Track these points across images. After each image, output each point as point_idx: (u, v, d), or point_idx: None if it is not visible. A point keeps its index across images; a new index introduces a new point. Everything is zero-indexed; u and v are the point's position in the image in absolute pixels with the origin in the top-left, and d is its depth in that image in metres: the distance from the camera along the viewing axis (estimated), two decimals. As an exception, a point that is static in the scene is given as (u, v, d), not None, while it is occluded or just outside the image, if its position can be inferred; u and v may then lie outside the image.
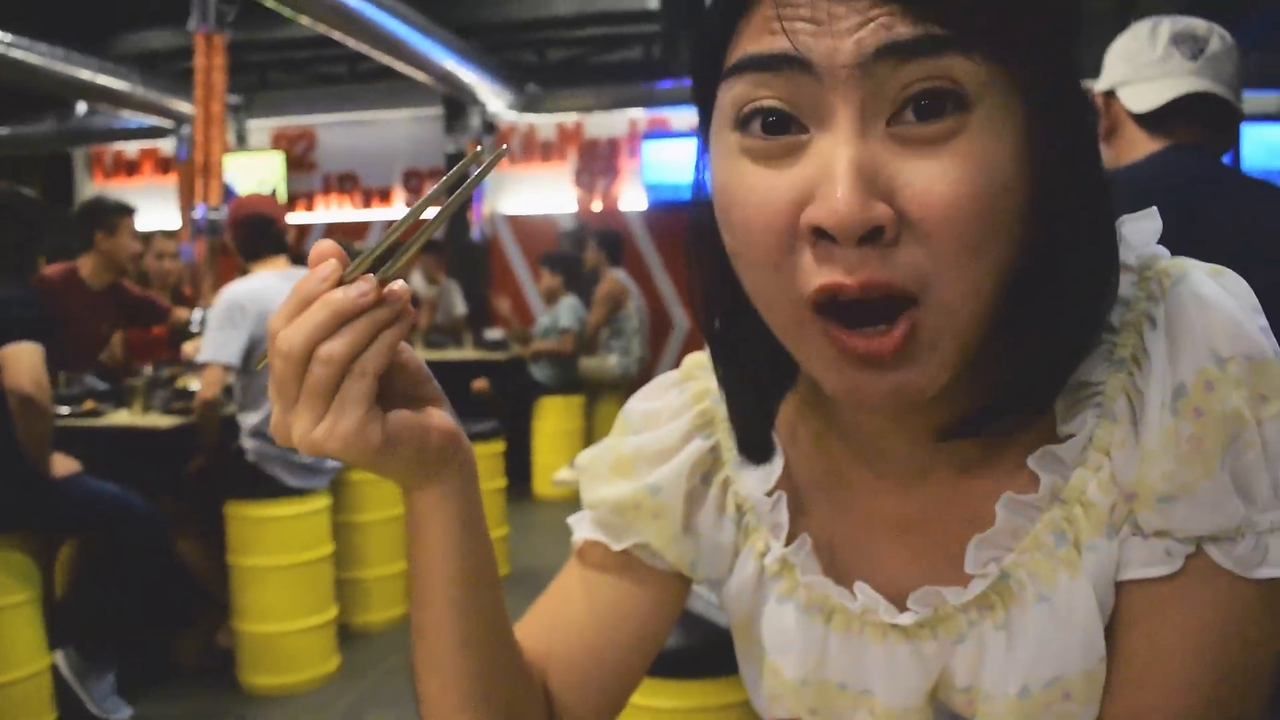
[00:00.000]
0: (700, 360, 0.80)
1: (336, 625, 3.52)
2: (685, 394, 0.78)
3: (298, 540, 3.35)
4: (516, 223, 9.04)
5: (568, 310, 6.27)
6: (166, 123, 8.80)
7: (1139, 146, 1.65)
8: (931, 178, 0.52)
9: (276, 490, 3.31)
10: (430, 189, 0.57)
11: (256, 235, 3.45)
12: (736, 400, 0.71)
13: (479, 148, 0.57)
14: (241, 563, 3.33)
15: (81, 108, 9.12)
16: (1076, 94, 0.58)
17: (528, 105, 8.51)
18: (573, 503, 0.83)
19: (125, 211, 3.98)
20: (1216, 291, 0.60)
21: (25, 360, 2.74)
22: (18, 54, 6.75)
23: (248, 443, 3.32)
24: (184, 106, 8.18)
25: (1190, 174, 1.54)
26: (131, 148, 10.15)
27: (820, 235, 0.53)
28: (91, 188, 10.25)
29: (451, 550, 0.66)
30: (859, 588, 0.69)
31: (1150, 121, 1.63)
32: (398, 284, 0.57)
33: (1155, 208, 0.66)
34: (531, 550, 4.85)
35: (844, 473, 0.72)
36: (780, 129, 0.55)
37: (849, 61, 0.52)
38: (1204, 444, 0.58)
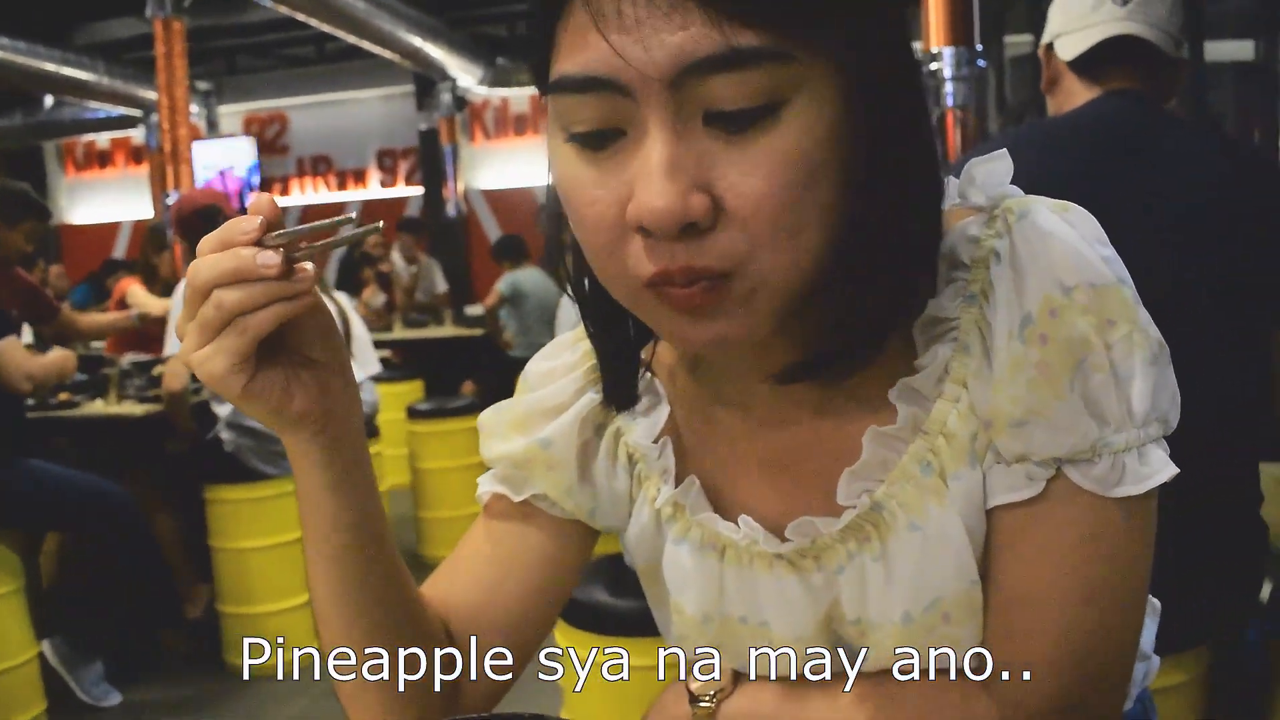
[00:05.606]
0: None
1: (321, 605, 3.54)
2: (578, 352, 0.81)
3: (277, 522, 3.37)
4: (492, 197, 9.02)
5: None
6: (135, 111, 8.74)
7: (1076, 95, 1.67)
8: (744, 170, 0.55)
9: (254, 475, 3.33)
10: (347, 214, 0.62)
11: (206, 228, 3.37)
12: (603, 353, 0.75)
13: (352, 216, 0.62)
14: (223, 545, 3.35)
15: (49, 101, 9.05)
16: (899, 63, 0.60)
17: (499, 79, 8.47)
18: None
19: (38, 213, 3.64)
20: (1059, 225, 0.63)
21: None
22: (-21, 49, 6.72)
23: (224, 433, 3.34)
24: (152, 94, 8.12)
25: (1121, 118, 1.56)
26: (103, 138, 10.09)
27: (643, 229, 0.56)
28: (63, 181, 10.19)
29: (318, 507, 0.69)
30: (742, 520, 0.72)
31: (1083, 68, 1.64)
32: (308, 265, 0.60)
33: (1006, 150, 0.68)
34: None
35: (718, 416, 0.75)
36: (600, 144, 0.57)
37: (662, 77, 0.54)
38: (1051, 368, 0.61)
